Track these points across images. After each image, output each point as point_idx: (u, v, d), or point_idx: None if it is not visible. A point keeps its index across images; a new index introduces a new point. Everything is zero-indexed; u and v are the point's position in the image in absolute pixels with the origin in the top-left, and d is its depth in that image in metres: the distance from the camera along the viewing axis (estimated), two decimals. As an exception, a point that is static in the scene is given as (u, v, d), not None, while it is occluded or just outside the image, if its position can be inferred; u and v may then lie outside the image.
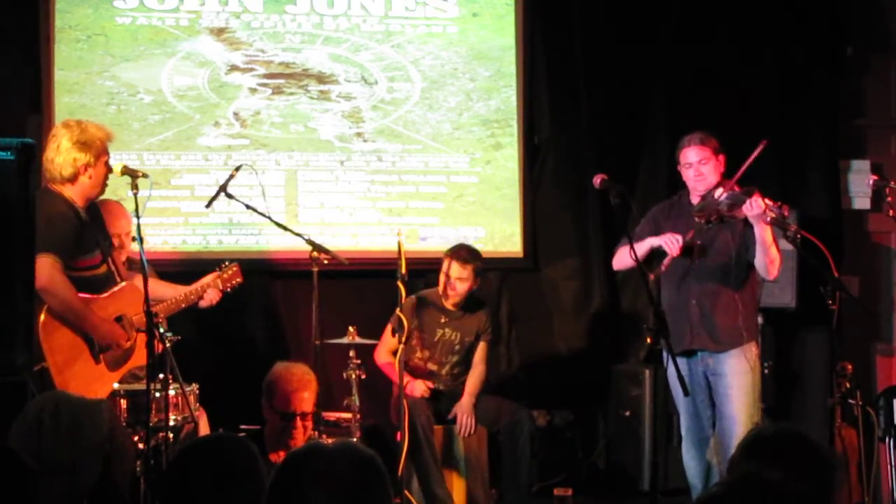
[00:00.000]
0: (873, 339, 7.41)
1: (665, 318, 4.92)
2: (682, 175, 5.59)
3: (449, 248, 6.25)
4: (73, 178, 4.87)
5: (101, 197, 5.51)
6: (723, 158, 5.54)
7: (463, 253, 6.19)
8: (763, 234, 5.32)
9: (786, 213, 5.33)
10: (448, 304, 6.23)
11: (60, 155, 4.86)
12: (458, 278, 6.15)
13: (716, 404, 5.51)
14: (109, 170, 4.97)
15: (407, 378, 5.92)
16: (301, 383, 5.46)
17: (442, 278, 6.20)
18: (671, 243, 5.39)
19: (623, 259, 5.53)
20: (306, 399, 5.43)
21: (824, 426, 6.31)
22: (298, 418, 5.40)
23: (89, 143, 4.89)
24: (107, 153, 4.96)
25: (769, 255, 5.37)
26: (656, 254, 5.47)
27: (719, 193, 5.38)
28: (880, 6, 7.53)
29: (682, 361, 5.49)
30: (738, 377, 5.45)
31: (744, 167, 5.37)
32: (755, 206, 5.22)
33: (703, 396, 5.54)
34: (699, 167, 5.50)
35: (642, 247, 5.39)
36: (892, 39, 7.51)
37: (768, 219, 5.26)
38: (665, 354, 5.33)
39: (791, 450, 2.78)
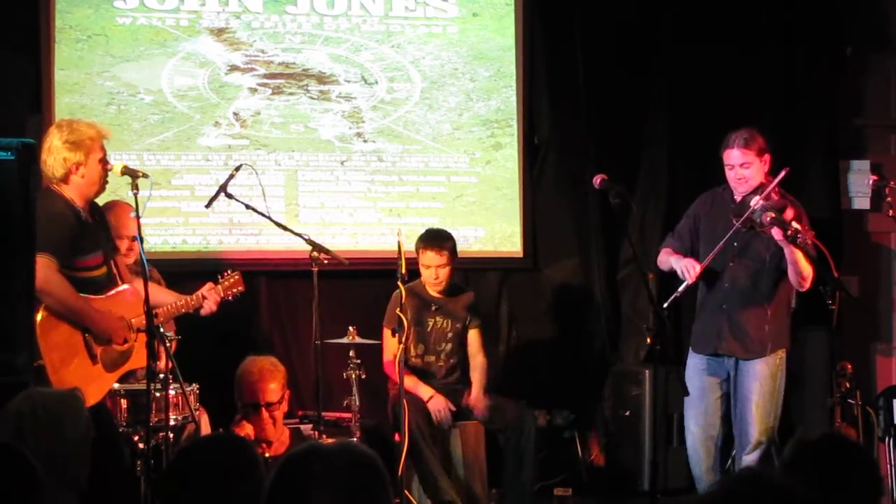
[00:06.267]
0: (873, 339, 7.41)
1: (665, 319, 4.92)
2: (725, 172, 5.57)
3: (419, 239, 6.11)
4: (65, 178, 4.88)
5: (112, 198, 5.54)
6: (768, 158, 5.52)
7: (435, 240, 6.09)
8: (793, 255, 5.33)
9: (808, 242, 5.31)
10: (434, 293, 6.19)
11: (51, 155, 4.87)
12: (438, 266, 6.06)
13: (733, 405, 5.54)
14: (107, 168, 4.96)
15: (413, 380, 5.90)
16: (264, 374, 5.48)
17: (423, 270, 6.10)
18: (688, 270, 5.40)
19: (663, 262, 5.62)
20: (272, 390, 5.45)
21: (824, 426, 6.30)
22: (264, 409, 5.41)
23: (79, 143, 4.88)
24: (100, 151, 4.93)
25: (800, 272, 5.36)
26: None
27: (755, 202, 5.35)
28: (880, 6, 7.53)
29: (705, 359, 5.56)
30: (759, 383, 5.48)
31: (770, 187, 5.37)
32: (780, 235, 5.24)
33: (720, 393, 5.56)
34: (740, 170, 5.48)
35: (666, 264, 5.44)
36: (891, 39, 7.51)
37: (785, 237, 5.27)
38: (689, 352, 5.49)
39: (838, 456, 2.77)
